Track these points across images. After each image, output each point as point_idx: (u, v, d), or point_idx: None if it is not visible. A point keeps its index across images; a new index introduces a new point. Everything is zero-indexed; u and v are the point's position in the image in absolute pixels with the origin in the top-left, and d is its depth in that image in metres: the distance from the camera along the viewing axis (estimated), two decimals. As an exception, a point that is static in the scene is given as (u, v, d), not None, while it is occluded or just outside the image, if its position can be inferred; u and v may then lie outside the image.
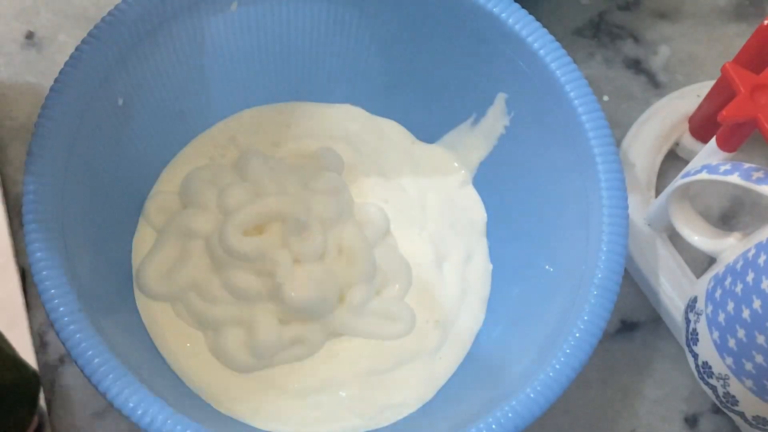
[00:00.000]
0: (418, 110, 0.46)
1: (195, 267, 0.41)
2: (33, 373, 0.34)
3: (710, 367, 0.39)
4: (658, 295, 0.45)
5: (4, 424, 0.34)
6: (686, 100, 0.49)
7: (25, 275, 0.44)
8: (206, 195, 0.43)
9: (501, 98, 0.43)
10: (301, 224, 0.41)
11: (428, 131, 0.47)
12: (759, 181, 0.37)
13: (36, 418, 0.40)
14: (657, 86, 0.52)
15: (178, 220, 0.42)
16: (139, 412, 0.33)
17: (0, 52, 0.49)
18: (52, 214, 0.36)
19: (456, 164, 0.46)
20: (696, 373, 0.41)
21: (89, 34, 0.39)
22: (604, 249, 0.37)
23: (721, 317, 0.38)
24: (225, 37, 0.43)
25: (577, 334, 0.36)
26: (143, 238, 0.43)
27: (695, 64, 0.52)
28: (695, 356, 0.40)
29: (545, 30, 0.40)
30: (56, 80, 0.38)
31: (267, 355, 0.41)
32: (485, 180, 0.46)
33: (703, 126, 0.47)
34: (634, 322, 0.46)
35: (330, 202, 0.43)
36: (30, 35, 0.50)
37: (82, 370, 0.34)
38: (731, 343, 0.37)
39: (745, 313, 0.36)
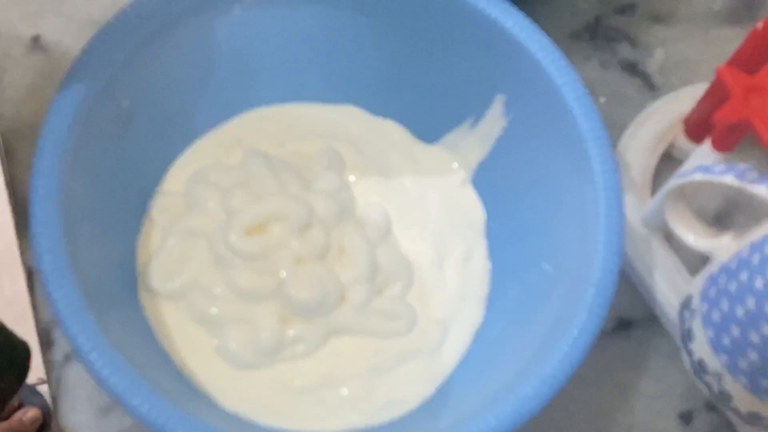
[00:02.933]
0: (417, 111, 0.47)
1: (198, 266, 0.42)
2: (22, 341, 0.34)
3: (705, 365, 0.39)
4: (653, 293, 0.46)
5: None
6: (681, 102, 0.49)
7: (31, 274, 0.44)
8: (210, 195, 0.43)
9: (499, 100, 0.44)
10: (303, 224, 0.42)
11: (428, 132, 0.47)
12: (753, 181, 0.37)
13: (41, 415, 0.41)
14: (652, 88, 0.52)
15: (182, 220, 0.43)
16: (144, 410, 0.33)
17: (7, 55, 0.49)
18: (57, 213, 0.36)
19: (455, 165, 0.47)
20: (691, 371, 0.41)
21: (94, 37, 0.39)
22: (601, 249, 0.38)
23: (716, 315, 0.38)
24: (228, 39, 0.43)
25: (575, 332, 0.36)
26: (148, 238, 0.43)
27: (690, 66, 0.52)
28: (690, 354, 0.40)
29: (543, 33, 0.41)
30: (62, 83, 0.38)
31: (269, 353, 0.41)
32: (484, 180, 0.46)
33: (698, 127, 0.47)
34: (631, 320, 0.46)
35: (331, 202, 0.43)
36: (36, 39, 0.50)
37: (87, 368, 0.34)
38: (726, 341, 0.38)
39: (740, 312, 0.36)
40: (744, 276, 0.37)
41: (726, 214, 0.49)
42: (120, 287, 0.41)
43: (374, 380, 0.42)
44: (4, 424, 0.40)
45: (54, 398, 0.42)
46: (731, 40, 0.52)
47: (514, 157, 0.44)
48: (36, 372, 0.42)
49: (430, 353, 0.42)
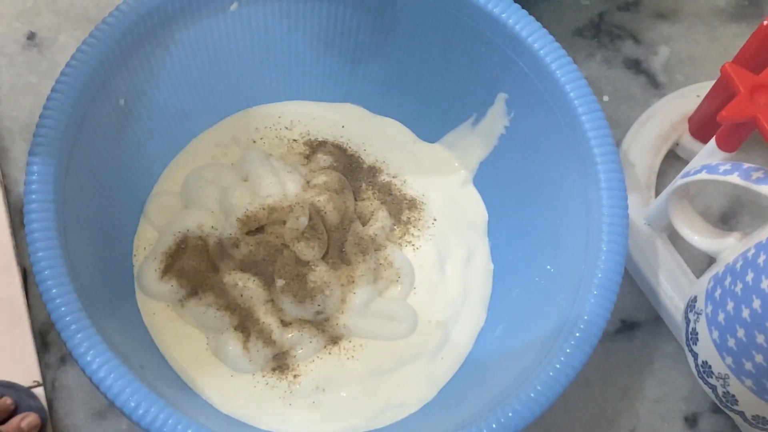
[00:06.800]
0: (419, 110, 0.47)
1: (196, 267, 0.41)
2: None
3: (710, 367, 0.39)
4: (657, 294, 0.45)
5: None
6: (686, 100, 0.49)
7: (26, 275, 0.44)
8: (207, 195, 0.43)
9: (501, 98, 0.43)
10: (303, 225, 0.41)
11: (429, 131, 0.47)
12: (758, 180, 0.37)
13: (38, 419, 0.40)
14: (657, 86, 0.52)
15: (180, 219, 0.42)
16: (141, 412, 0.33)
17: (1, 52, 0.49)
18: (53, 213, 0.36)
19: (457, 164, 0.46)
20: (696, 373, 0.41)
21: (90, 35, 0.39)
22: (604, 249, 0.38)
23: (721, 317, 0.38)
24: (226, 37, 0.43)
25: (578, 334, 0.36)
26: (144, 238, 0.43)
27: (695, 64, 0.52)
28: (695, 356, 0.40)
29: (545, 30, 0.41)
30: (57, 81, 0.38)
31: (269, 356, 0.41)
32: (486, 180, 0.46)
33: (702, 126, 0.47)
34: (634, 321, 0.46)
35: (331, 203, 0.43)
36: (31, 36, 0.50)
37: (83, 370, 0.34)
38: (731, 342, 0.37)
39: (745, 313, 0.36)
40: (749, 277, 0.36)
41: (731, 214, 0.49)
42: (116, 288, 0.41)
43: (375, 383, 0.41)
44: (3, 427, 0.39)
45: (50, 401, 0.42)
46: (737, 37, 0.53)
47: (516, 157, 0.44)
48: (31, 375, 0.41)
49: (432, 356, 0.42)
